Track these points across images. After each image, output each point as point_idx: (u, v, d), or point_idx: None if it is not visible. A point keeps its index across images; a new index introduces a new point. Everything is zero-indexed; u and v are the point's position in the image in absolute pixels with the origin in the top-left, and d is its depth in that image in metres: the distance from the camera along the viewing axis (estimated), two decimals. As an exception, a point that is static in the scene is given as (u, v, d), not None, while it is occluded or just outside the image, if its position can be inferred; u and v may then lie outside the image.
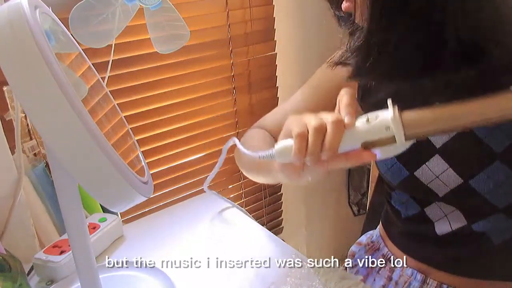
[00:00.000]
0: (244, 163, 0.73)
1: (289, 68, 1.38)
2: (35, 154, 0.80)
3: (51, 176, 0.77)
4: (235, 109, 1.29)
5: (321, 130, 0.45)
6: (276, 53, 1.32)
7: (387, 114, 0.44)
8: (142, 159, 0.56)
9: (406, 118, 0.43)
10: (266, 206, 1.49)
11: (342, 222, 1.81)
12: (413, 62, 0.48)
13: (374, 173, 0.91)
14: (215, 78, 1.21)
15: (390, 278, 0.69)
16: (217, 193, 0.89)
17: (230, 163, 1.35)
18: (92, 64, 0.56)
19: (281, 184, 1.51)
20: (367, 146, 0.45)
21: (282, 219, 1.58)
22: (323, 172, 0.47)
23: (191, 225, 0.83)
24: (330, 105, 0.71)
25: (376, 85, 0.61)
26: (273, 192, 1.50)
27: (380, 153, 0.46)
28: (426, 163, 0.58)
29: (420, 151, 0.59)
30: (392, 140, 0.44)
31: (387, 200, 0.71)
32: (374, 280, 0.71)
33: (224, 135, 1.31)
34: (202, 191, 0.95)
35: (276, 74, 1.34)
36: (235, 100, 1.27)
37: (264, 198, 1.48)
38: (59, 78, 0.37)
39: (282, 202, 1.54)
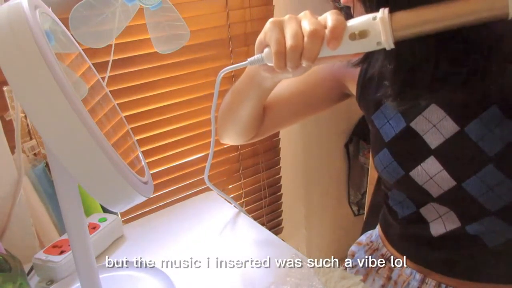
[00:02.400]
0: (229, 96, 0.75)
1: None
2: (35, 154, 0.80)
3: (51, 176, 0.77)
4: (235, 109, 1.29)
5: (296, 48, 0.46)
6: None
7: (373, 24, 0.44)
8: (142, 159, 0.56)
9: (394, 31, 0.43)
10: (266, 206, 1.49)
11: (342, 222, 1.81)
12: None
13: (373, 174, 0.91)
14: (215, 78, 1.21)
15: (389, 278, 0.69)
16: (217, 190, 0.89)
17: (230, 163, 1.35)
18: (92, 64, 0.56)
19: (281, 184, 1.51)
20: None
21: (282, 219, 1.58)
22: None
23: (191, 225, 0.83)
24: (320, 92, 0.72)
25: (378, 80, 0.61)
26: (273, 192, 1.50)
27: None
28: (421, 164, 0.58)
29: (415, 151, 0.59)
30: (379, 46, 0.44)
31: (385, 201, 0.71)
32: (374, 280, 0.72)
33: (224, 135, 1.31)
34: (202, 191, 0.95)
35: (276, 74, 1.34)
36: (235, 100, 1.27)
37: (264, 198, 1.47)
38: (59, 78, 0.37)
39: (282, 202, 1.54)
